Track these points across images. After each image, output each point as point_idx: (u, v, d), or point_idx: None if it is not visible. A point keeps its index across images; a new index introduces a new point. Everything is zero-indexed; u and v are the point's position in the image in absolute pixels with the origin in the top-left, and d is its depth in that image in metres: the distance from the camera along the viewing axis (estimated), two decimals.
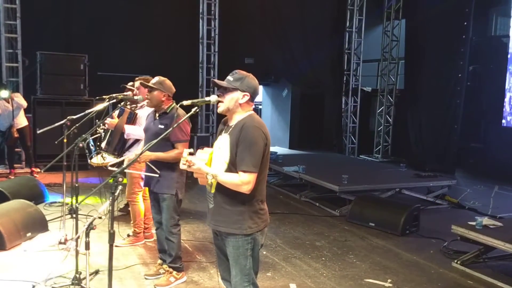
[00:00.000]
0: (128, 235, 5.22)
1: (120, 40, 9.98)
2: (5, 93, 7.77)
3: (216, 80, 2.83)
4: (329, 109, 13.30)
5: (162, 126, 3.99)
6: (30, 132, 8.30)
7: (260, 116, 14.03)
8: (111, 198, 2.76)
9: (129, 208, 5.32)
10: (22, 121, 8.18)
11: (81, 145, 4.10)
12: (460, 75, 10.12)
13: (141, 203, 5.07)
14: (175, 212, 4.07)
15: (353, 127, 12.83)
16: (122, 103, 4.69)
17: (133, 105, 4.96)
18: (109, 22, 9.92)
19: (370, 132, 12.98)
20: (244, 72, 2.80)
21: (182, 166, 2.67)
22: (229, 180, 2.64)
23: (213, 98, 2.90)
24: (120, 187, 3.27)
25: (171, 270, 4.16)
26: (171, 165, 3.93)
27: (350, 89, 12.74)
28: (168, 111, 4.08)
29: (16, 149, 8.77)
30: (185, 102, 2.89)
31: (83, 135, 4.18)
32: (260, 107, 14.50)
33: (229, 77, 2.77)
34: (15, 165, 8.62)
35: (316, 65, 12.15)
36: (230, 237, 2.77)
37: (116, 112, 4.79)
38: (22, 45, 8.96)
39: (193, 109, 2.86)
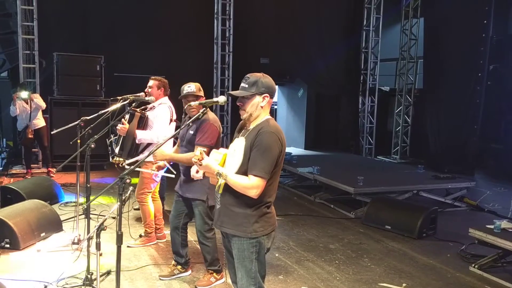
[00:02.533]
0: (140, 236, 5.23)
1: (136, 41, 10.03)
2: (24, 94, 7.87)
3: (231, 92, 2.75)
4: (346, 109, 13.17)
5: (192, 132, 3.92)
6: (47, 133, 8.39)
7: (275, 116, 13.99)
8: (118, 199, 2.73)
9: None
10: (40, 122, 8.28)
11: (93, 145, 4.10)
12: (480, 74, 9.93)
13: (151, 203, 5.06)
14: (208, 217, 4.00)
15: (370, 128, 12.67)
16: (132, 106, 4.66)
17: (142, 108, 4.95)
18: (125, 23, 9.98)
19: (388, 133, 12.81)
20: (256, 74, 2.73)
21: (193, 161, 2.65)
22: (238, 181, 2.59)
23: (221, 98, 2.87)
24: (131, 188, 3.26)
25: (211, 271, 4.17)
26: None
27: (367, 89, 12.59)
28: (200, 117, 3.67)
29: (33, 149, 8.88)
30: (193, 103, 2.87)
31: (95, 136, 4.18)
32: (275, 107, 14.42)
33: (243, 84, 2.70)
34: (32, 165, 8.72)
35: (332, 65, 12.06)
36: (235, 239, 2.74)
37: (127, 116, 4.77)
38: (39, 46, 9.07)
39: (201, 111, 2.83)
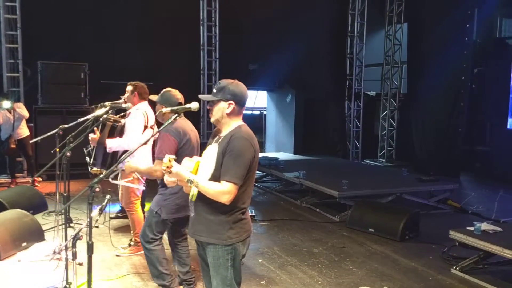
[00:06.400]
0: (129, 245, 5.16)
1: (122, 48, 9.95)
2: (7, 104, 7.82)
3: (201, 96, 2.82)
4: (333, 114, 13.22)
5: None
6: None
7: (265, 121, 14.03)
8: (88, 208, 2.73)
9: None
10: (23, 131, 8.22)
11: (68, 154, 4.07)
12: (463, 77, 10.02)
13: (140, 211, 5.00)
14: (149, 228, 3.79)
15: (357, 132, 12.74)
16: (108, 114, 4.62)
17: (121, 114, 4.92)
18: (110, 30, 9.92)
19: (374, 137, 12.90)
20: (228, 80, 2.74)
21: (162, 169, 2.59)
22: (210, 188, 2.58)
23: (194, 105, 2.87)
24: (108, 196, 3.25)
25: (161, 286, 3.94)
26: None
27: (353, 94, 12.67)
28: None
29: (18, 159, 8.82)
30: (164, 110, 2.87)
31: (71, 144, 4.15)
32: (264, 112, 14.47)
33: (213, 89, 2.74)
34: (17, 175, 8.65)
35: (318, 70, 12.13)
36: (210, 246, 2.72)
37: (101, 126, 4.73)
38: (23, 55, 9.02)
39: (173, 117, 2.83)
